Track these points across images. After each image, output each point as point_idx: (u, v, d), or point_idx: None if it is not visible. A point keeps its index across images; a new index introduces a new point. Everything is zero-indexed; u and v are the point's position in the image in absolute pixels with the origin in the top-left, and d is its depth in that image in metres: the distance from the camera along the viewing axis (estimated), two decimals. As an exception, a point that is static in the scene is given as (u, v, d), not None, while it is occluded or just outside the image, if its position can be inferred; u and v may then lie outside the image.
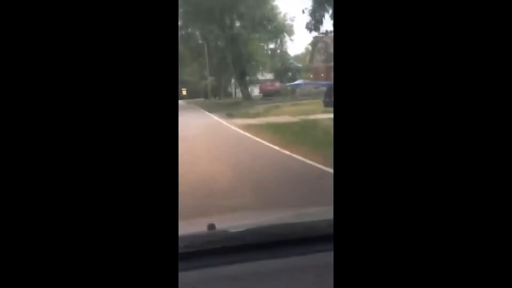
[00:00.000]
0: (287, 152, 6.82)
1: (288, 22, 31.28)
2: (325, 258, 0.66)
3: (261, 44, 29.96)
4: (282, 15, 30.76)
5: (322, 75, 27.25)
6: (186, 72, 35.43)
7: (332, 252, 0.65)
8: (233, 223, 1.23)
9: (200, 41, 32.18)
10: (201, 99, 33.65)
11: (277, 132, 9.29)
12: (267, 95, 26.42)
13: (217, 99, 32.07)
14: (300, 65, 36.64)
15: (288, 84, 28.61)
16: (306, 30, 18.50)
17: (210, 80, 33.20)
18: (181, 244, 0.87)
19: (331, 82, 14.76)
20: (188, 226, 1.24)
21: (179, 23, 28.96)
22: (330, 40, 23.67)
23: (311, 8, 15.47)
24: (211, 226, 0.97)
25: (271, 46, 33.20)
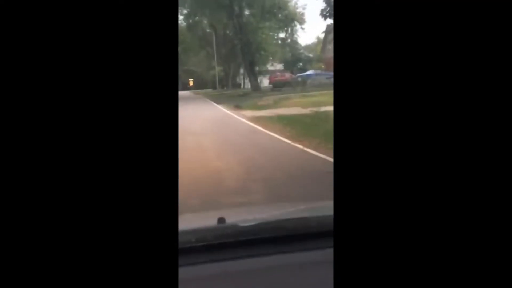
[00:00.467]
0: (299, 146, 6.53)
1: (299, 10, 30.54)
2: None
3: (271, 33, 29.24)
4: (293, 3, 30.09)
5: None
6: (193, 61, 35.00)
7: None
8: (242, 217, 1.21)
9: (208, 30, 31.70)
10: (209, 90, 33.11)
11: (288, 124, 8.93)
12: (277, 86, 25.71)
13: (225, 89, 31.47)
14: (311, 55, 35.80)
15: (298, 74, 27.82)
16: (320, 17, 17.93)
17: (218, 70, 32.71)
18: (192, 238, 0.89)
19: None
20: (198, 221, 1.26)
21: (186, 11, 28.41)
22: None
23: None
24: (221, 220, 0.96)
25: (281, 35, 32.35)
